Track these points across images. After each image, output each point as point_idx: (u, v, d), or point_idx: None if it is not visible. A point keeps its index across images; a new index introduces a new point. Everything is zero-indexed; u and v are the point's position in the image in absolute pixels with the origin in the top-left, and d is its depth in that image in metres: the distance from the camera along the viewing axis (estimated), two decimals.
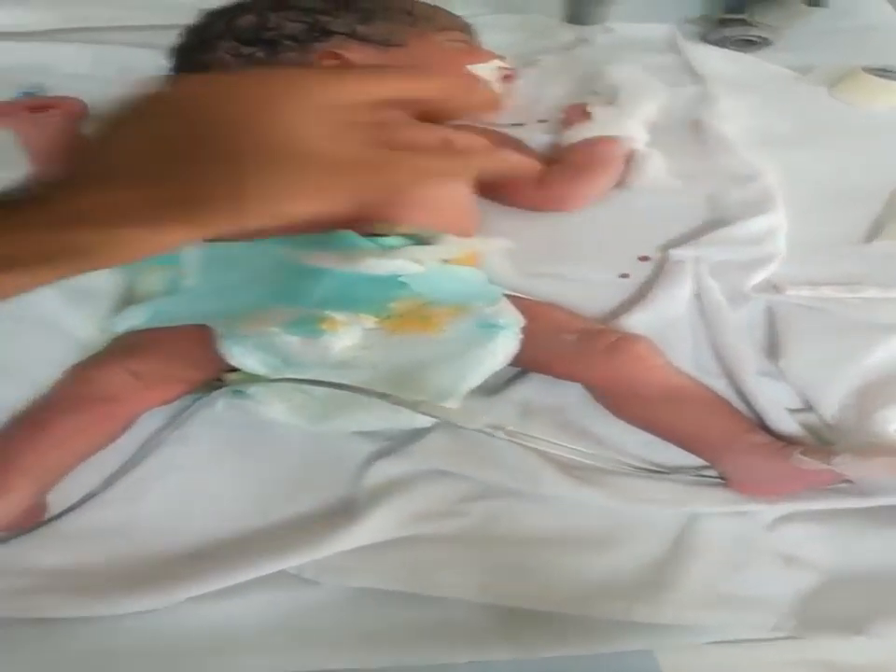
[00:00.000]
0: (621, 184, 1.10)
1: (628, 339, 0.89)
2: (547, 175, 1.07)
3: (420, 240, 0.90)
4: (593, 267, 1.02)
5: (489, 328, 0.85)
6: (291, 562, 0.77)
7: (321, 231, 0.89)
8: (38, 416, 0.84)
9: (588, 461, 0.84)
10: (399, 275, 0.86)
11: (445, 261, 0.90)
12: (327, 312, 0.83)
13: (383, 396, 0.80)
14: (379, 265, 0.86)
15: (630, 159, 1.11)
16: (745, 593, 0.78)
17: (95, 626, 0.75)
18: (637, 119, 1.13)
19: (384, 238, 0.89)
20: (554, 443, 0.83)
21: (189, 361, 0.86)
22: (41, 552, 0.79)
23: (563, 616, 0.76)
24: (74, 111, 1.11)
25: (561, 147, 1.14)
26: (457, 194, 1.00)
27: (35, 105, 1.12)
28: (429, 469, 0.85)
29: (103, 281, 0.96)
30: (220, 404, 0.86)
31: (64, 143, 1.07)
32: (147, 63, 1.18)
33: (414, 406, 0.80)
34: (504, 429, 0.81)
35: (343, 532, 0.79)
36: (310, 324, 0.83)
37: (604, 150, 1.10)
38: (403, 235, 0.90)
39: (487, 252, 0.95)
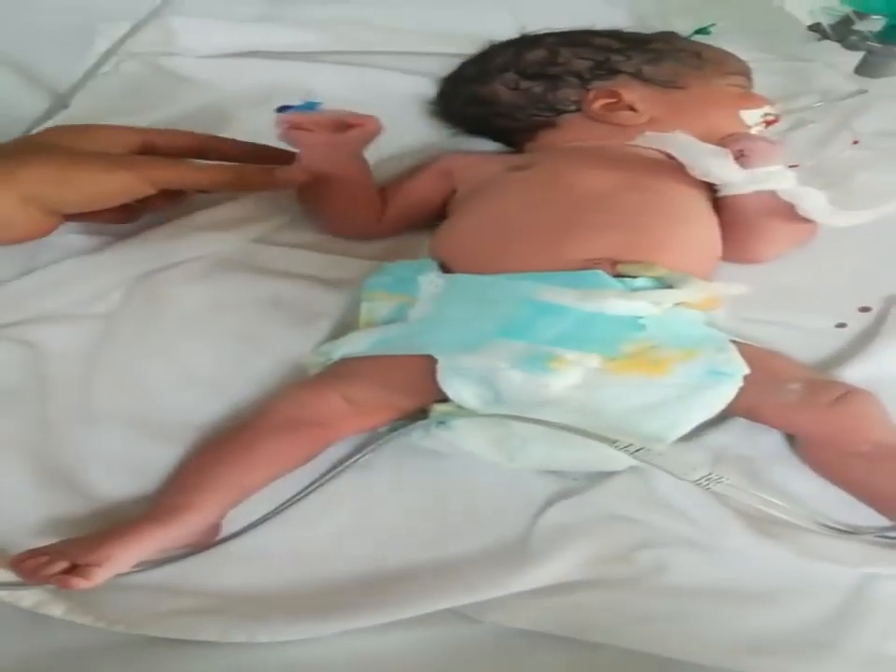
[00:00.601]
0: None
1: (856, 393, 0.86)
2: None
3: (666, 282, 0.90)
4: (808, 315, 1.00)
5: (718, 374, 0.84)
6: (460, 601, 0.77)
7: (570, 269, 0.89)
8: (241, 436, 0.85)
9: (783, 515, 0.81)
10: (639, 317, 0.86)
11: (680, 304, 0.89)
12: (558, 350, 0.83)
13: (603, 439, 0.79)
14: (619, 305, 0.86)
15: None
16: None
17: (240, 649, 0.75)
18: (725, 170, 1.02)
19: (631, 280, 0.89)
20: (764, 498, 0.80)
21: (405, 390, 0.87)
22: (209, 573, 0.80)
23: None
24: (373, 132, 1.05)
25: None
26: (708, 235, 1.00)
27: (336, 123, 1.03)
28: (605, 513, 0.84)
29: (325, 305, 0.99)
30: (416, 435, 0.86)
31: (356, 167, 1.07)
32: (407, 89, 1.26)
33: (634, 453, 0.78)
34: (723, 480, 0.78)
35: (515, 574, 0.78)
36: (539, 361, 0.83)
37: (739, 208, 1.03)
38: (651, 277, 0.90)
39: (724, 297, 0.93)
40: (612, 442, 0.79)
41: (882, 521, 0.82)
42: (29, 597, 0.76)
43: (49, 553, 0.73)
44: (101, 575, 0.72)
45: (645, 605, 0.78)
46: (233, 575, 0.80)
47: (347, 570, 0.81)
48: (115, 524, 0.78)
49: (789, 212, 0.98)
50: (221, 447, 0.85)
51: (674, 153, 1.02)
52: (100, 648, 0.76)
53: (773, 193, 0.98)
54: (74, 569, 0.71)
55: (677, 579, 0.80)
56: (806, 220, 0.98)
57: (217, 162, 1.02)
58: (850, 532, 0.82)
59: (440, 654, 0.76)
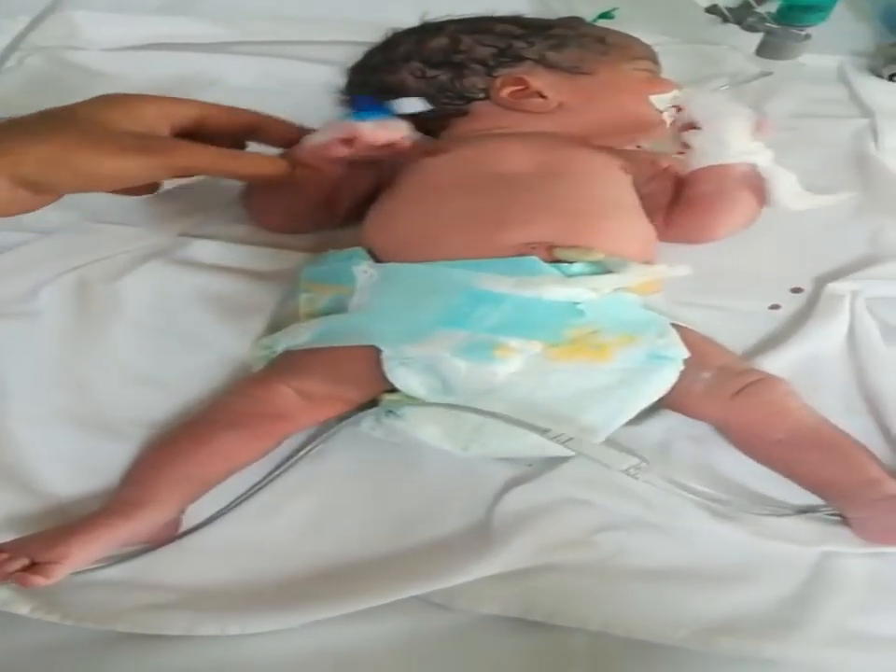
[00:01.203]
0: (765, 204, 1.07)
1: (766, 382, 0.87)
2: (674, 208, 1.06)
3: (604, 267, 0.90)
4: (742, 297, 1.01)
5: (658, 359, 0.85)
6: (424, 588, 0.77)
7: (503, 256, 0.89)
8: (197, 431, 0.85)
9: (723, 508, 0.82)
10: (577, 302, 0.86)
11: (619, 289, 0.89)
12: (501, 338, 0.83)
13: (537, 429, 0.80)
14: (556, 291, 0.86)
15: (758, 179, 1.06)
16: (879, 633, 0.76)
17: (212, 643, 0.75)
18: (737, 138, 1.06)
19: (568, 265, 0.89)
20: (696, 489, 0.82)
21: (354, 382, 0.86)
22: (172, 567, 0.79)
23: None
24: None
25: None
26: (643, 223, 1.00)
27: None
28: (563, 497, 0.84)
29: (259, 298, 0.98)
30: (366, 424, 0.86)
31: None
32: (314, 78, 1.23)
33: (565, 442, 0.79)
34: (647, 473, 0.80)
35: (478, 560, 0.78)
36: (483, 350, 0.83)
37: (726, 177, 1.05)
38: (588, 262, 0.90)
39: (667, 280, 0.94)
40: (543, 432, 0.80)
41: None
42: None
43: (8, 550, 0.73)
44: (60, 572, 0.72)
45: (610, 587, 0.79)
46: (196, 569, 0.79)
47: (309, 561, 0.80)
48: (71, 520, 0.78)
49: (757, 189, 1.02)
50: (178, 443, 0.84)
51: (694, 111, 1.08)
52: (68, 645, 0.75)
53: (750, 169, 1.02)
54: (33, 567, 0.72)
55: (639, 561, 0.80)
56: (764, 200, 1.03)
57: (244, 152, 1.01)
58: (796, 513, 0.83)
59: (408, 643, 0.76)
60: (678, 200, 1.06)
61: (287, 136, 1.01)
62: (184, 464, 0.82)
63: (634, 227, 0.99)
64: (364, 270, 0.92)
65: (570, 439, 0.80)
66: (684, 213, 1.05)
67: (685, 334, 0.89)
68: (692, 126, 1.08)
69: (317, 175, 1.00)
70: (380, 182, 1.05)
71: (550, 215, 0.93)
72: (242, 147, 1.02)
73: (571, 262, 0.89)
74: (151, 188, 1.00)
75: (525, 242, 0.90)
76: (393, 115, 1.03)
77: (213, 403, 0.88)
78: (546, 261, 0.89)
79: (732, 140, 1.03)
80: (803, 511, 0.83)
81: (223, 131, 0.97)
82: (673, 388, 0.86)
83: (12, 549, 0.73)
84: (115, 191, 0.95)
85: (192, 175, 0.97)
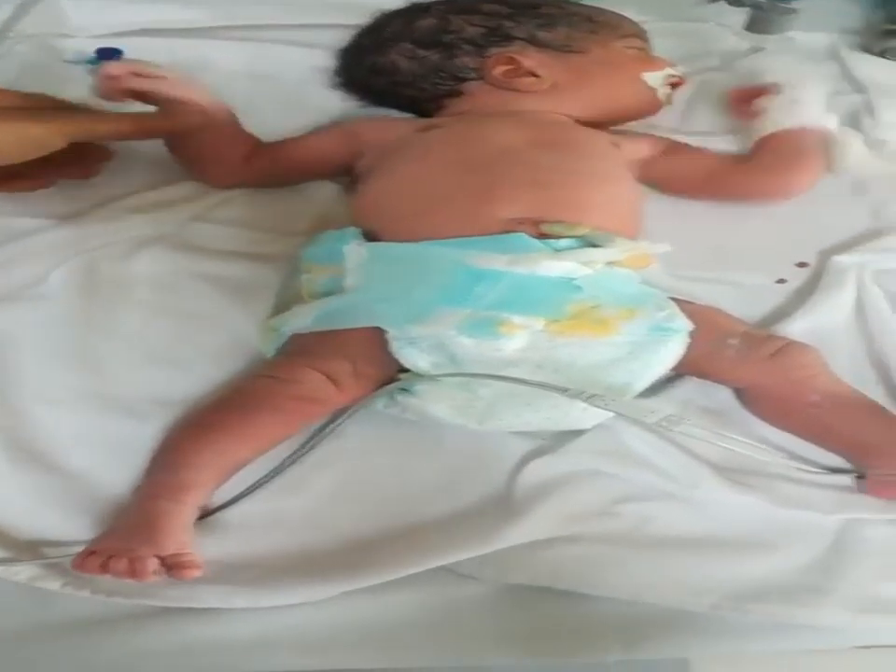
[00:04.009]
0: (828, 170, 1.11)
1: (795, 346, 0.88)
2: (753, 166, 1.10)
3: (590, 242, 0.90)
4: (748, 272, 1.02)
5: (662, 331, 0.86)
6: (450, 558, 0.77)
7: (491, 232, 0.90)
8: (231, 414, 0.85)
9: (762, 458, 0.83)
10: (573, 278, 0.86)
11: (611, 264, 0.90)
12: (504, 315, 0.84)
13: (561, 390, 0.80)
14: (551, 266, 0.86)
15: (829, 143, 1.11)
16: None
17: (235, 617, 0.75)
18: (814, 103, 1.12)
19: (554, 240, 0.90)
20: (733, 438, 0.82)
21: (368, 360, 0.86)
22: (202, 543, 0.79)
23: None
24: None
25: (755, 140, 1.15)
26: (630, 195, 1.01)
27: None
28: (583, 469, 0.84)
29: (264, 280, 0.99)
30: (381, 402, 0.86)
31: (221, 106, 1.08)
32: (304, 62, 1.24)
33: (590, 399, 0.79)
34: (683, 421, 0.79)
35: (501, 530, 0.78)
36: (488, 326, 0.83)
37: (802, 140, 1.10)
38: (575, 237, 0.90)
39: (652, 255, 0.94)
40: (564, 391, 0.80)
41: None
42: (24, 572, 0.76)
43: (102, 551, 0.74)
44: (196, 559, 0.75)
45: (637, 556, 0.79)
46: (223, 545, 0.80)
47: (332, 536, 0.81)
48: (120, 509, 0.81)
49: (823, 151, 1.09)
50: (213, 427, 0.84)
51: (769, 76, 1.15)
52: (98, 619, 0.76)
53: (822, 131, 1.09)
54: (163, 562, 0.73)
55: (663, 530, 0.81)
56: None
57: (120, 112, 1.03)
58: (826, 472, 0.85)
59: (436, 614, 0.76)
60: (751, 161, 1.11)
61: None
62: (220, 449, 0.82)
63: (619, 201, 0.99)
64: (354, 249, 0.92)
65: (594, 395, 0.80)
66: (765, 173, 1.10)
67: (692, 307, 0.89)
68: (763, 91, 1.12)
69: (198, 120, 1.04)
70: (363, 156, 1.07)
71: (535, 189, 0.94)
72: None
73: (558, 238, 0.90)
74: (46, 181, 1.03)
75: (512, 217, 0.91)
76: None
77: (240, 386, 0.88)
78: (533, 237, 0.89)
79: (809, 103, 1.08)
80: (836, 470, 0.85)
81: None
82: (700, 356, 0.87)
83: (108, 549, 0.73)
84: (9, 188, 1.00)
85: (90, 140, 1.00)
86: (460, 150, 1.00)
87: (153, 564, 0.72)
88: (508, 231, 0.90)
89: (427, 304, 0.85)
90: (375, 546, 0.80)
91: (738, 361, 0.87)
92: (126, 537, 0.75)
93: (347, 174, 1.10)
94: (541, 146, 1.00)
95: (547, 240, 0.90)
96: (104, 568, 0.72)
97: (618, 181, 1.02)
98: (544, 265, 0.86)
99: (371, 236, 0.95)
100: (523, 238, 0.89)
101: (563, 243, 0.90)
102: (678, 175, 1.11)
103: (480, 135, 1.02)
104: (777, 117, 1.12)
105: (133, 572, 0.71)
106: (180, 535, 0.76)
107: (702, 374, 0.90)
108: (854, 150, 1.06)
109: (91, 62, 1.04)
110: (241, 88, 1.06)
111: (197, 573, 0.73)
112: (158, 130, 1.04)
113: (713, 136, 1.20)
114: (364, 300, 0.88)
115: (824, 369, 0.88)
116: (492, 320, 0.83)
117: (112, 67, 1.03)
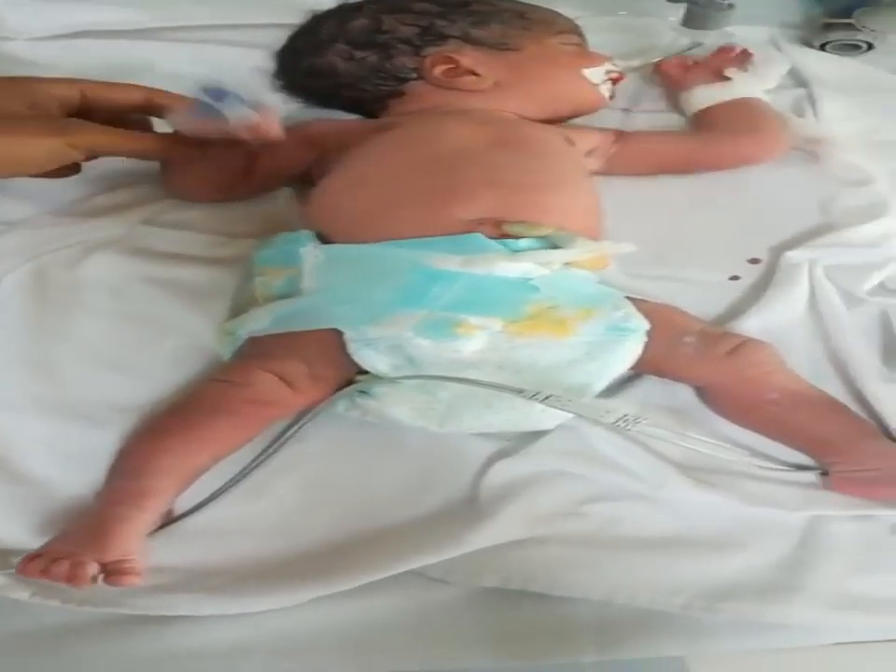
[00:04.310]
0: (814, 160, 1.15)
1: (750, 343, 0.89)
2: (721, 133, 1.15)
3: (549, 243, 0.91)
4: (702, 269, 1.02)
5: (619, 331, 0.86)
6: (418, 563, 0.77)
7: (452, 233, 0.89)
8: (187, 419, 0.84)
9: (724, 456, 0.83)
10: (529, 278, 0.87)
11: (568, 265, 0.90)
12: (461, 316, 0.84)
13: (516, 391, 0.80)
14: (507, 267, 0.86)
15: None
16: (877, 595, 0.77)
17: (213, 624, 0.75)
18: (771, 81, 1.20)
19: (513, 241, 0.90)
20: (697, 438, 0.82)
21: (326, 362, 0.86)
22: (170, 551, 0.79)
23: None
24: None
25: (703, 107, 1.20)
26: (588, 194, 1.01)
27: None
28: (548, 470, 0.84)
29: (218, 283, 0.98)
30: (341, 405, 0.86)
31: None
32: (243, 63, 1.22)
33: (546, 400, 0.79)
34: (641, 421, 0.79)
35: (468, 534, 0.78)
36: (445, 328, 0.83)
37: (765, 107, 1.17)
38: (537, 237, 0.90)
39: (612, 255, 0.94)
40: (520, 392, 0.80)
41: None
42: None
43: (50, 554, 0.73)
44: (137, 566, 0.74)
45: (607, 557, 0.79)
46: (193, 552, 0.80)
47: (299, 541, 0.81)
48: (79, 514, 0.80)
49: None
50: (169, 432, 0.84)
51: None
52: (68, 628, 0.76)
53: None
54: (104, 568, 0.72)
55: (632, 530, 0.81)
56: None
57: (145, 133, 1.02)
58: (790, 469, 0.86)
59: (409, 619, 0.77)
60: (717, 128, 1.16)
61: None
62: (178, 454, 0.81)
63: (580, 200, 0.99)
64: (310, 251, 0.92)
65: (549, 396, 0.79)
66: (736, 137, 1.15)
67: (648, 306, 0.90)
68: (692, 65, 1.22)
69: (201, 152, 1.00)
70: (319, 158, 1.06)
71: (496, 190, 0.94)
72: (148, 124, 1.04)
73: (518, 238, 0.90)
74: (72, 169, 1.00)
75: (473, 218, 0.91)
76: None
77: (195, 391, 0.88)
78: (494, 237, 0.89)
79: (770, 80, 1.18)
80: (800, 467, 0.85)
81: (111, 107, 0.98)
82: (658, 355, 0.88)
83: (53, 553, 0.72)
84: (31, 174, 0.96)
85: (96, 156, 0.97)
86: (418, 150, 1.00)
87: (93, 569, 0.71)
88: (468, 232, 0.90)
89: (384, 305, 0.85)
90: (343, 551, 0.80)
91: (695, 359, 0.88)
92: (74, 542, 0.74)
93: (305, 178, 1.09)
94: (499, 145, 1.00)
95: (506, 240, 0.90)
96: (44, 573, 0.71)
97: (576, 179, 1.02)
98: (500, 266, 0.86)
99: (324, 238, 0.94)
100: (479, 239, 0.89)
101: (522, 243, 0.90)
102: (643, 156, 1.13)
103: (437, 135, 1.01)
104: (742, 87, 1.17)
105: (72, 577, 0.70)
106: (128, 541, 0.74)
107: (660, 373, 0.90)
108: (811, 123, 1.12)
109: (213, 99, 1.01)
110: (182, 90, 1.03)
111: (136, 580, 0.72)
112: (185, 154, 1.01)
113: (665, 113, 1.25)
114: (322, 301, 0.88)
115: (781, 365, 0.89)
116: (449, 321, 0.83)
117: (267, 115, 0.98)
